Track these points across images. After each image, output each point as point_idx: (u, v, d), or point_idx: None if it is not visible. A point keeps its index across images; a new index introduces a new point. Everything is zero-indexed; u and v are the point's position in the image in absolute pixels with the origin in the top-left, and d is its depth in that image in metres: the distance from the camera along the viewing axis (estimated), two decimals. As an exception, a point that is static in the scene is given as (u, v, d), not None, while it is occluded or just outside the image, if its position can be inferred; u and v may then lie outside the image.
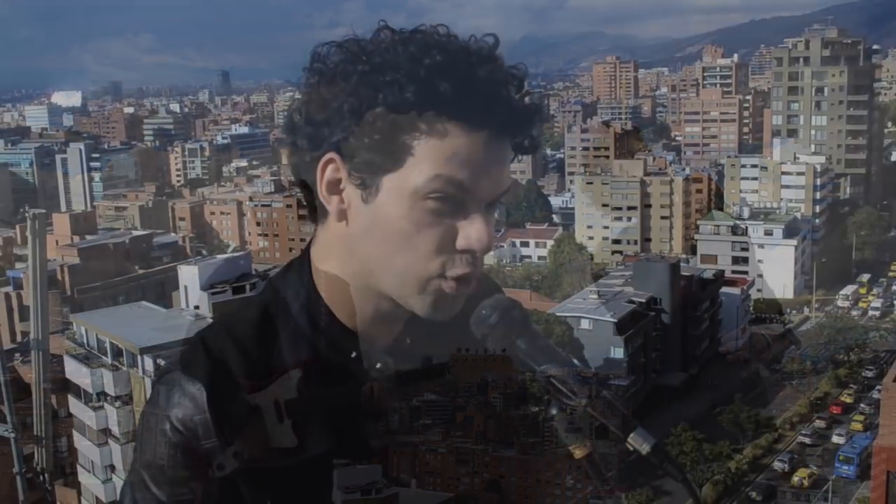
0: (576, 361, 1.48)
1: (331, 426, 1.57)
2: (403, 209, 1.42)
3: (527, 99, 1.51)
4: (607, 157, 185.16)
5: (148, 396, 1.62)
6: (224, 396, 1.49)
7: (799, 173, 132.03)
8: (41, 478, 48.63)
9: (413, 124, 1.40)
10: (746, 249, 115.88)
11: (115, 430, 52.48)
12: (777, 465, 68.23)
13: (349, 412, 1.58)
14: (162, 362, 50.44)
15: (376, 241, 1.45)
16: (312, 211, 1.55)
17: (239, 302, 1.60)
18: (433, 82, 1.39)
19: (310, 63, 1.48)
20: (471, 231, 1.43)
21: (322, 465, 1.57)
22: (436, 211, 1.42)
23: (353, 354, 1.56)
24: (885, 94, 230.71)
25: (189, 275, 59.57)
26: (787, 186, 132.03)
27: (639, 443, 1.35)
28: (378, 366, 1.59)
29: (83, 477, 56.45)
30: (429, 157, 1.40)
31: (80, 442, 55.78)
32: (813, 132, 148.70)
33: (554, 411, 1.40)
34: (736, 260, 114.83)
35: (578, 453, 1.42)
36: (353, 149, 1.43)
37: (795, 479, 66.31)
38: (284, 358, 1.54)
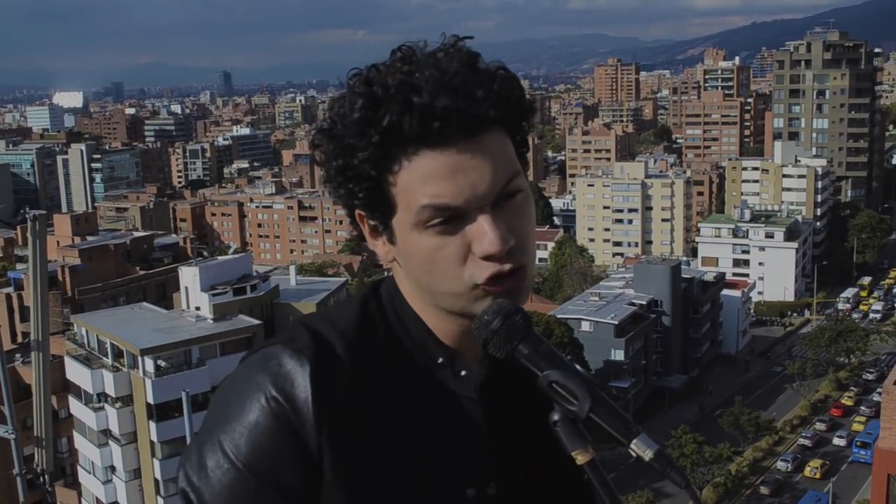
0: (578, 367, 1.50)
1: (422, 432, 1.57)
2: (416, 242, 1.48)
3: (497, 85, 1.50)
4: (608, 159, 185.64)
5: (237, 368, 1.57)
6: (329, 377, 1.50)
7: (800, 176, 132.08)
8: (41, 479, 48.57)
9: (382, 171, 1.47)
10: (747, 252, 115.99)
11: (115, 431, 52.54)
12: (780, 464, 68.36)
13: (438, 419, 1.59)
14: (162, 363, 50.59)
15: (415, 273, 1.53)
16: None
17: (343, 301, 1.66)
18: (371, 130, 1.44)
19: (318, 132, 1.57)
20: (481, 237, 1.46)
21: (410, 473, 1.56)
22: (441, 233, 1.47)
23: (440, 360, 1.60)
24: (887, 97, 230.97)
25: (190, 276, 59.64)
26: (789, 189, 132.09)
27: (642, 449, 1.36)
28: (463, 373, 1.61)
29: (83, 478, 56.53)
30: (410, 191, 1.46)
31: (80, 443, 55.86)
32: (814, 135, 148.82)
33: (556, 417, 1.42)
34: (737, 262, 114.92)
35: (581, 459, 1.42)
36: (360, 206, 1.54)
37: (808, 470, 66.78)
38: (381, 354, 1.57)
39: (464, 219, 1.46)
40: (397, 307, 1.63)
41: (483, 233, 1.45)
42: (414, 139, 1.44)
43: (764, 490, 64.31)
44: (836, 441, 71.22)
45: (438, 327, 1.61)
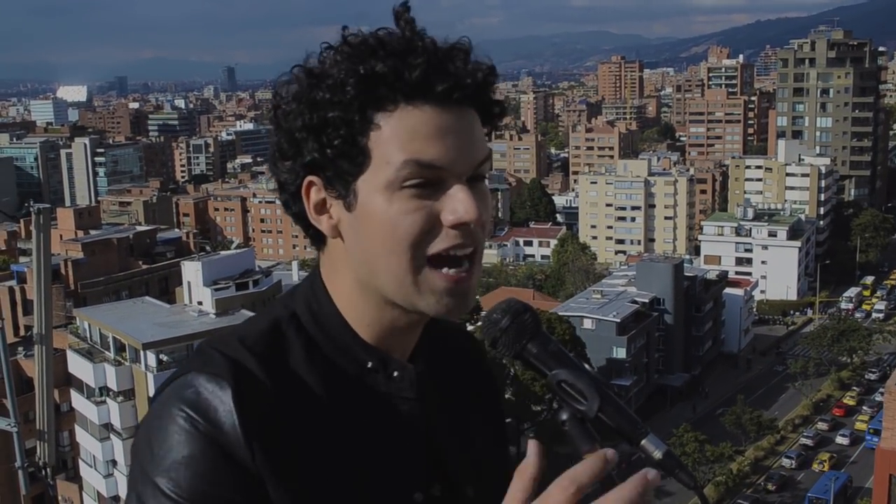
0: (587, 366, 1.47)
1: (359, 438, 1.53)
2: (383, 204, 1.43)
3: (474, 63, 1.48)
4: (612, 156, 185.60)
5: (153, 404, 1.49)
6: (251, 398, 1.42)
7: (803, 175, 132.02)
8: (43, 472, 48.63)
9: (365, 119, 1.43)
10: (750, 250, 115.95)
11: (117, 425, 52.59)
12: (785, 461, 68.46)
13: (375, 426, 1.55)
14: (165, 357, 50.61)
15: (367, 245, 1.46)
16: (314, 238, 1.57)
17: (251, 318, 1.63)
18: (370, 66, 1.41)
19: (272, 104, 1.53)
20: (455, 204, 1.42)
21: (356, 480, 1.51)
22: (415, 196, 1.42)
23: (370, 364, 1.55)
24: (891, 96, 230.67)
25: (192, 270, 59.72)
26: (792, 188, 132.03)
27: (651, 449, 1.35)
28: (395, 374, 1.57)
29: (85, 472, 56.62)
30: (392, 146, 1.41)
31: (82, 437, 55.93)
32: (818, 133, 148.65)
33: (565, 416, 1.39)
34: (739, 261, 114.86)
35: None
36: (321, 165, 1.46)
37: (816, 464, 67.09)
38: (300, 366, 1.50)
39: (440, 185, 1.43)
40: (316, 312, 1.56)
41: (458, 200, 1.42)
42: (409, 89, 1.41)
43: (770, 487, 64.43)
44: (839, 440, 71.19)
45: (368, 325, 1.55)
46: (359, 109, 1.42)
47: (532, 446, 1.32)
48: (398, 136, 1.41)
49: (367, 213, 1.44)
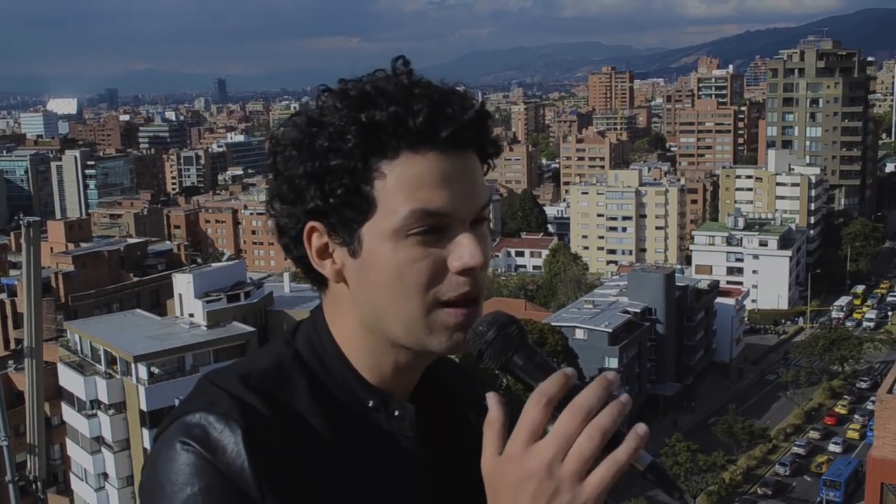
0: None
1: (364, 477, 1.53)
2: (389, 251, 1.43)
3: (472, 105, 1.48)
4: (602, 167, 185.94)
5: (156, 443, 1.46)
6: (260, 439, 1.42)
7: (794, 184, 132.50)
8: (34, 486, 48.40)
9: (368, 168, 1.42)
10: (741, 260, 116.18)
11: (108, 438, 52.39)
12: (778, 468, 68.63)
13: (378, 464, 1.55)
14: (156, 370, 50.47)
15: (374, 291, 1.47)
16: (313, 281, 1.57)
17: (251, 353, 1.63)
18: (370, 116, 1.40)
19: (270, 150, 1.52)
20: (462, 251, 1.43)
21: None
22: (421, 243, 1.43)
23: (371, 404, 1.56)
24: (880, 105, 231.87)
25: (184, 283, 59.59)
26: (782, 197, 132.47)
27: (636, 460, 1.33)
28: (396, 413, 1.57)
29: (76, 485, 56.35)
30: (397, 195, 1.41)
31: (72, 450, 55.68)
32: (808, 143, 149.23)
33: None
34: (731, 270, 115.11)
35: None
36: (324, 212, 1.45)
37: (814, 466, 67.59)
38: (304, 406, 1.51)
39: (446, 232, 1.44)
40: (319, 351, 1.57)
41: (464, 246, 1.43)
42: (412, 137, 1.41)
43: (766, 491, 64.69)
44: (832, 448, 71.28)
45: (370, 366, 1.56)
46: (361, 158, 1.41)
47: (492, 397, 1.34)
48: (403, 185, 1.41)
49: (373, 259, 1.45)
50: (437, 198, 1.41)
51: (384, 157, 1.42)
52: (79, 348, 56.49)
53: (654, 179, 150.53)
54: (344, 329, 1.56)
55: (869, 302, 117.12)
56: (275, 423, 1.45)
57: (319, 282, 1.56)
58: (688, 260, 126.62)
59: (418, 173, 1.41)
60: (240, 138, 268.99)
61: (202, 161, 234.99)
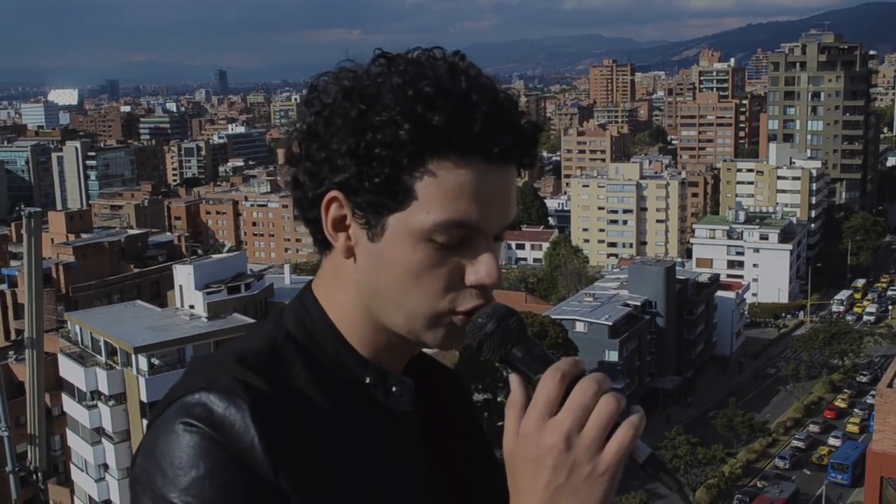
0: None
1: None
2: (409, 250, 1.41)
3: (524, 119, 1.46)
4: (603, 160, 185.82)
5: (153, 427, 1.40)
6: (268, 415, 1.39)
7: (795, 178, 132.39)
8: (34, 476, 48.54)
9: (415, 164, 1.39)
10: (742, 253, 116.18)
11: (108, 429, 52.45)
12: (778, 462, 68.79)
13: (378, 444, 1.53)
14: (156, 361, 50.51)
15: (384, 281, 1.44)
16: (318, 243, 1.52)
17: (238, 339, 1.57)
18: (429, 117, 1.37)
19: (307, 96, 1.46)
20: (480, 266, 1.42)
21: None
22: (443, 249, 1.41)
23: (368, 380, 1.53)
24: (881, 99, 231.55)
25: (184, 274, 59.59)
26: (783, 191, 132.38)
27: (635, 452, 1.35)
28: (394, 389, 1.55)
29: (76, 476, 56.45)
30: (434, 200, 1.39)
31: (73, 441, 55.76)
32: (809, 137, 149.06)
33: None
34: (731, 264, 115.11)
35: None
36: (355, 189, 1.41)
37: (815, 457, 68.13)
38: (303, 384, 1.48)
39: (470, 243, 1.42)
40: (311, 329, 1.54)
41: (483, 262, 1.42)
42: (469, 144, 1.39)
43: (764, 483, 65.02)
44: (832, 441, 71.35)
45: (366, 342, 1.54)
46: (409, 154, 1.38)
47: (514, 379, 1.35)
48: (444, 190, 1.39)
49: (392, 251, 1.43)
50: (474, 211, 1.39)
51: (433, 157, 1.38)
52: (79, 339, 56.53)
53: (655, 172, 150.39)
54: (342, 303, 1.54)
55: (869, 296, 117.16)
56: (279, 399, 1.42)
57: (325, 246, 1.52)
58: (688, 253, 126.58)
59: (461, 182, 1.39)
60: (241, 130, 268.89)
61: (203, 152, 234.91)
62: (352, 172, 1.40)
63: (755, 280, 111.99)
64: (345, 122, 1.40)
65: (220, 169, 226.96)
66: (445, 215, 1.39)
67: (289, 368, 1.48)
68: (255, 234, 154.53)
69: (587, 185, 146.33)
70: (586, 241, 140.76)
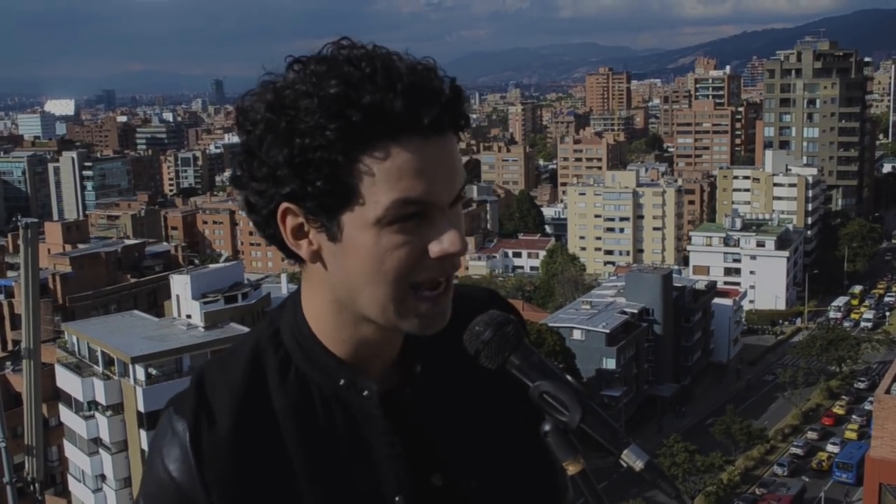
0: (570, 378, 1.48)
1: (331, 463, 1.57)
2: (371, 239, 1.42)
3: (444, 85, 1.45)
4: (600, 167, 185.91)
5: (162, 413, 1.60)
6: (208, 435, 1.49)
7: (791, 185, 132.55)
8: (31, 487, 48.38)
9: (350, 159, 1.39)
10: (738, 261, 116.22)
11: (105, 439, 52.36)
12: (777, 469, 68.80)
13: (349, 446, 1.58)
14: (153, 371, 50.46)
15: (353, 274, 1.45)
16: (290, 256, 1.53)
17: (241, 336, 1.67)
18: (348, 114, 1.38)
19: (237, 118, 1.48)
20: (442, 238, 1.43)
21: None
22: (402, 230, 1.41)
23: (342, 382, 1.56)
24: (877, 106, 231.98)
25: (181, 284, 59.55)
26: (779, 198, 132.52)
27: (632, 459, 1.36)
28: (365, 393, 1.57)
29: (74, 487, 56.31)
30: (379, 187, 1.40)
31: (70, 451, 55.64)
32: (805, 144, 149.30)
33: (548, 427, 1.42)
34: (728, 271, 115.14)
35: (572, 469, 1.42)
36: (302, 196, 1.42)
37: (814, 462, 68.34)
38: (274, 389, 1.54)
39: (426, 217, 1.43)
40: (294, 330, 1.59)
41: (444, 231, 1.43)
42: (395, 126, 1.39)
43: (763, 491, 65.07)
44: (830, 448, 71.29)
45: (343, 340, 1.56)
46: (342, 152, 1.39)
47: None
48: (385, 175, 1.39)
49: (353, 246, 1.44)
50: (419, 186, 1.40)
51: (365, 149, 1.39)
52: (76, 349, 56.46)
53: (652, 180, 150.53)
54: (318, 305, 1.56)
55: (866, 302, 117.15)
56: (230, 417, 1.51)
57: (297, 258, 1.53)
58: (685, 260, 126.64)
59: (399, 163, 1.39)
60: (237, 139, 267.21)
61: (200, 162, 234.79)
62: (294, 182, 1.40)
63: (752, 287, 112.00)
64: (276, 136, 1.40)
65: (217, 179, 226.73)
66: (392, 197, 1.39)
67: (264, 373, 1.55)
68: (251, 244, 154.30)
69: (584, 193, 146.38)
70: (583, 248, 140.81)
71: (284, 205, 1.44)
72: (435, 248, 1.43)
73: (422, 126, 1.40)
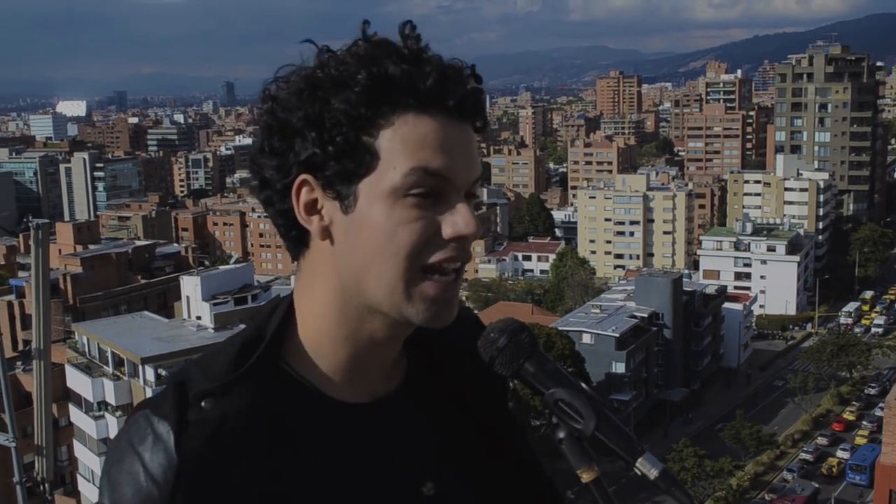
0: (585, 385, 1.47)
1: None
2: (385, 211, 1.40)
3: (472, 78, 1.47)
4: (610, 171, 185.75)
5: (120, 431, 1.49)
6: (192, 439, 1.41)
7: (802, 189, 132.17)
8: (41, 487, 48.45)
9: (374, 121, 1.39)
10: (749, 265, 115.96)
11: (115, 440, 52.44)
12: (787, 475, 68.63)
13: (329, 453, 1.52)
14: (163, 372, 50.54)
15: (361, 249, 1.43)
16: (294, 241, 1.52)
17: (225, 339, 1.58)
18: (384, 66, 1.39)
19: (262, 96, 1.48)
20: (456, 218, 1.41)
21: None
22: (418, 205, 1.40)
23: (333, 387, 1.54)
24: (889, 110, 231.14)
25: (191, 285, 59.67)
26: (790, 202, 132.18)
27: (647, 468, 1.36)
28: (355, 401, 1.55)
29: (83, 487, 56.43)
30: (399, 153, 1.39)
31: (80, 451, 55.78)
32: (816, 148, 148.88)
33: (562, 434, 1.41)
34: (738, 276, 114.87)
35: (586, 477, 1.42)
36: (321, 163, 1.41)
37: (824, 468, 68.20)
38: (258, 396, 1.47)
39: (442, 197, 1.42)
40: (284, 332, 1.54)
41: (459, 213, 1.41)
42: (422, 97, 1.40)
43: (772, 496, 65.13)
44: (840, 454, 71.06)
45: (346, 338, 1.52)
46: (367, 105, 1.39)
47: None
48: (407, 142, 1.39)
49: (366, 217, 1.42)
50: (439, 160, 1.40)
51: (391, 110, 1.39)
52: (86, 350, 56.61)
53: (662, 184, 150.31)
54: (319, 297, 1.51)
55: (877, 308, 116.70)
56: (212, 427, 1.43)
57: (298, 243, 1.51)
58: (695, 265, 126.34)
59: (423, 133, 1.39)
60: (248, 141, 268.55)
61: (210, 164, 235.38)
62: (312, 142, 1.40)
63: (762, 292, 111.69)
64: (299, 98, 1.41)
65: (228, 180, 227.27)
66: (411, 163, 1.38)
67: (249, 378, 1.47)
68: (261, 246, 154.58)
69: (594, 197, 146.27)
70: (593, 252, 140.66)
71: (302, 177, 1.43)
72: (448, 229, 1.41)
73: (447, 105, 1.41)
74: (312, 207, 1.45)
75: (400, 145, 1.39)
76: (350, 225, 1.43)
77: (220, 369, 1.47)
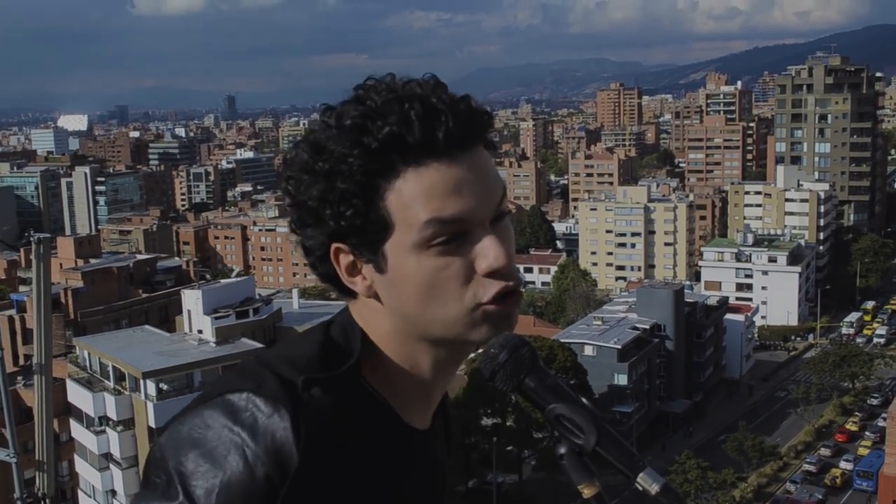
0: (585, 400, 1.48)
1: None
2: (415, 264, 1.43)
3: (462, 103, 1.47)
4: (611, 183, 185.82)
5: (194, 414, 1.44)
6: (309, 426, 1.42)
7: (802, 200, 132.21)
8: (42, 503, 48.40)
9: (379, 184, 1.42)
10: (750, 276, 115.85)
11: (116, 454, 52.35)
12: (790, 486, 68.48)
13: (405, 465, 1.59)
14: (164, 386, 50.45)
15: (408, 302, 1.46)
16: (343, 292, 1.56)
17: (285, 344, 1.57)
18: (366, 143, 1.41)
19: (284, 171, 1.54)
20: (487, 252, 1.43)
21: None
22: (444, 252, 1.42)
23: (402, 410, 1.59)
24: (889, 121, 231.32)
25: (192, 299, 59.62)
26: (791, 213, 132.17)
27: (648, 483, 1.36)
28: (419, 427, 1.62)
29: (84, 502, 56.29)
30: (411, 209, 1.41)
31: (81, 467, 55.66)
32: (816, 159, 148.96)
33: (563, 450, 1.42)
34: (740, 286, 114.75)
35: (587, 492, 1.42)
36: (346, 233, 1.46)
37: (828, 479, 68.10)
38: (346, 395, 1.50)
39: (466, 236, 1.43)
40: (353, 341, 1.55)
41: (488, 248, 1.42)
42: (415, 150, 1.41)
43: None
44: (843, 465, 70.88)
45: (409, 365, 1.56)
46: (365, 181, 1.41)
47: None
48: (415, 197, 1.41)
49: (401, 274, 1.45)
50: (451, 205, 1.40)
51: (390, 176, 1.42)
52: (88, 364, 56.54)
53: (663, 195, 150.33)
54: (382, 331, 1.55)
55: (879, 318, 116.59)
56: (324, 410, 1.44)
57: (351, 294, 1.56)
58: (697, 276, 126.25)
59: (427, 185, 1.41)
60: (249, 154, 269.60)
61: (211, 177, 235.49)
62: (332, 220, 1.44)
63: (764, 303, 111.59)
64: (310, 175, 1.45)
65: (229, 194, 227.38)
66: (424, 217, 1.40)
67: (338, 377, 1.50)
68: (263, 259, 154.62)
69: (595, 209, 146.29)
70: (594, 264, 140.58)
71: (335, 245, 1.48)
72: (482, 265, 1.43)
73: (443, 147, 1.42)
74: (353, 269, 1.50)
75: (409, 202, 1.41)
76: (389, 282, 1.47)
77: (313, 365, 1.48)
